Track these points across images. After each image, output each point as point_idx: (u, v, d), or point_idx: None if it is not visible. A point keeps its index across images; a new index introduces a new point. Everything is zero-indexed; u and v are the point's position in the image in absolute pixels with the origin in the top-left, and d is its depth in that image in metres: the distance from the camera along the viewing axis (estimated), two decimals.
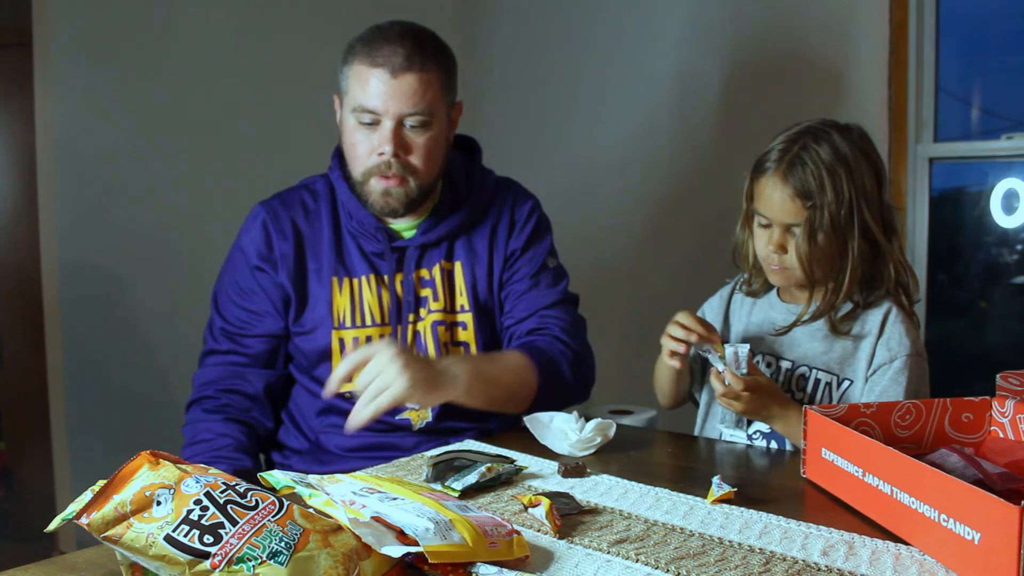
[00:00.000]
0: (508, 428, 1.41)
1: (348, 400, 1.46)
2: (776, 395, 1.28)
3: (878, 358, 1.30)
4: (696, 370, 1.50)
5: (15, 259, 2.47)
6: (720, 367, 1.27)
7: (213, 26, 2.59)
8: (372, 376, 1.21)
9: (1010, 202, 2.44)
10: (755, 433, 1.37)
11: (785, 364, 1.37)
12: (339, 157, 1.51)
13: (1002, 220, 2.46)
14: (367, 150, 1.40)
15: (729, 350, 1.27)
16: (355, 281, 1.46)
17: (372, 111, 1.37)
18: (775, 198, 1.31)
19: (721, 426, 1.42)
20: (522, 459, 1.17)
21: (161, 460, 0.72)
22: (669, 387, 1.48)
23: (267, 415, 1.49)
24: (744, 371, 1.26)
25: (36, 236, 2.35)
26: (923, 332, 2.44)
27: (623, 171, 2.87)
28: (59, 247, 2.36)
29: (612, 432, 1.25)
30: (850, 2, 2.43)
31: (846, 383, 1.32)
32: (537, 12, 3.07)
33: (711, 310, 1.53)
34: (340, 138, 1.47)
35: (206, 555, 0.66)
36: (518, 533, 0.84)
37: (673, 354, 1.33)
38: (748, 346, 1.27)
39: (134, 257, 2.44)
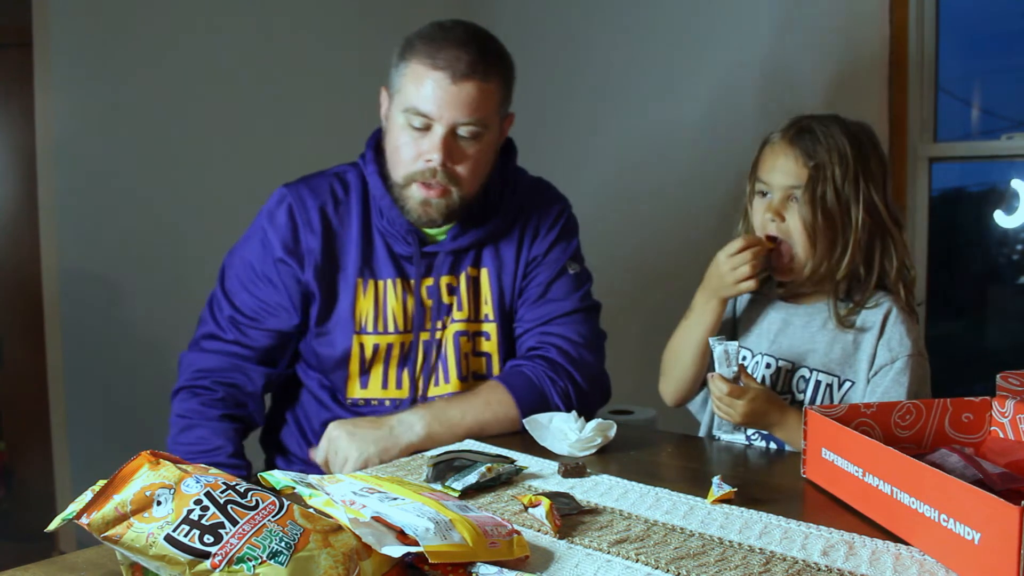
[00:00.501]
0: None
1: (361, 408, 1.44)
2: (773, 402, 1.27)
3: (880, 359, 1.29)
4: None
5: (15, 259, 2.47)
6: (722, 370, 1.26)
7: (214, 26, 2.59)
8: (332, 456, 1.30)
9: (1010, 202, 2.44)
10: (754, 434, 1.37)
11: (784, 365, 1.36)
12: (375, 150, 1.44)
13: (1002, 220, 2.46)
14: (413, 154, 1.34)
15: (718, 348, 1.26)
16: (380, 284, 1.41)
17: (425, 115, 1.31)
18: (779, 162, 1.32)
19: (719, 432, 1.42)
20: (522, 459, 1.17)
21: (161, 460, 0.72)
22: (694, 361, 1.40)
23: (261, 413, 1.46)
24: (734, 369, 1.25)
25: (36, 236, 2.35)
26: (923, 332, 2.45)
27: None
28: (59, 247, 2.35)
29: (612, 433, 1.25)
30: (850, 2, 2.43)
31: (847, 384, 1.31)
32: None
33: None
34: (384, 133, 1.41)
35: (206, 555, 0.66)
36: (518, 533, 0.84)
37: (748, 277, 1.32)
38: (736, 343, 1.26)
39: (134, 257, 2.44)
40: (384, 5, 3.03)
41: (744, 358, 1.40)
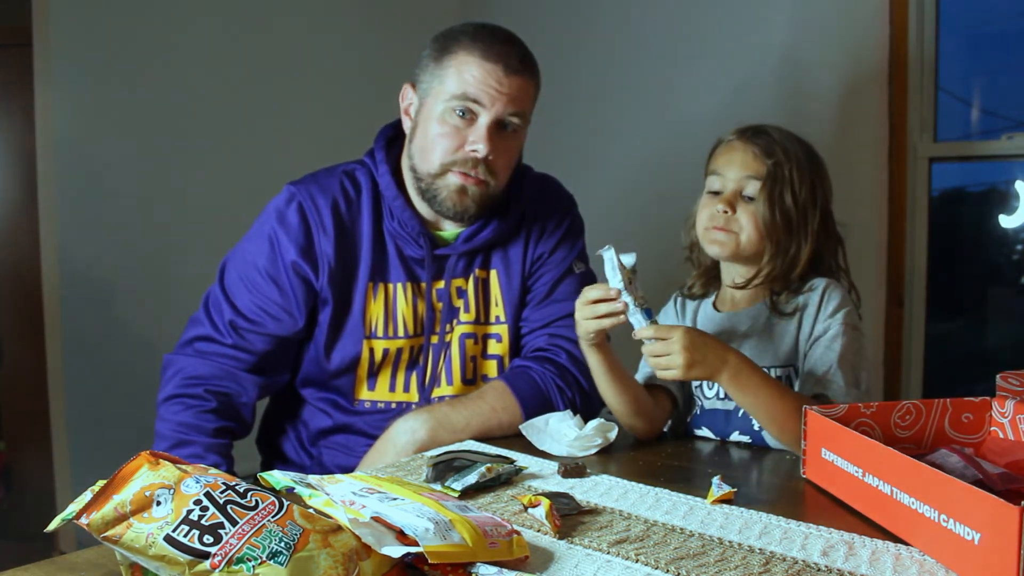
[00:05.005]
0: None
1: (368, 408, 1.43)
2: (708, 337, 1.19)
3: (816, 331, 1.31)
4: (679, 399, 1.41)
5: (15, 259, 2.47)
6: (636, 324, 1.17)
7: (214, 26, 2.59)
8: None
9: (1010, 202, 2.44)
10: (739, 441, 1.36)
11: None
12: (385, 150, 1.42)
13: (1002, 220, 2.46)
14: (455, 143, 1.33)
15: (607, 255, 1.15)
16: (390, 287, 1.39)
17: (477, 102, 1.31)
18: (736, 156, 1.33)
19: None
20: (522, 459, 1.17)
21: (161, 460, 0.72)
22: (618, 399, 1.29)
23: (252, 420, 1.42)
24: (617, 280, 1.16)
25: (36, 236, 2.35)
26: (923, 332, 2.46)
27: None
28: (59, 247, 2.36)
29: (613, 435, 1.25)
30: (850, 2, 2.43)
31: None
32: None
33: (666, 321, 1.47)
34: (413, 128, 1.38)
35: (206, 555, 0.66)
36: (518, 533, 0.84)
37: (592, 331, 1.20)
38: (632, 256, 1.17)
39: (134, 257, 2.44)
40: (384, 5, 3.03)
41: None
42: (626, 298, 1.16)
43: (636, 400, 1.31)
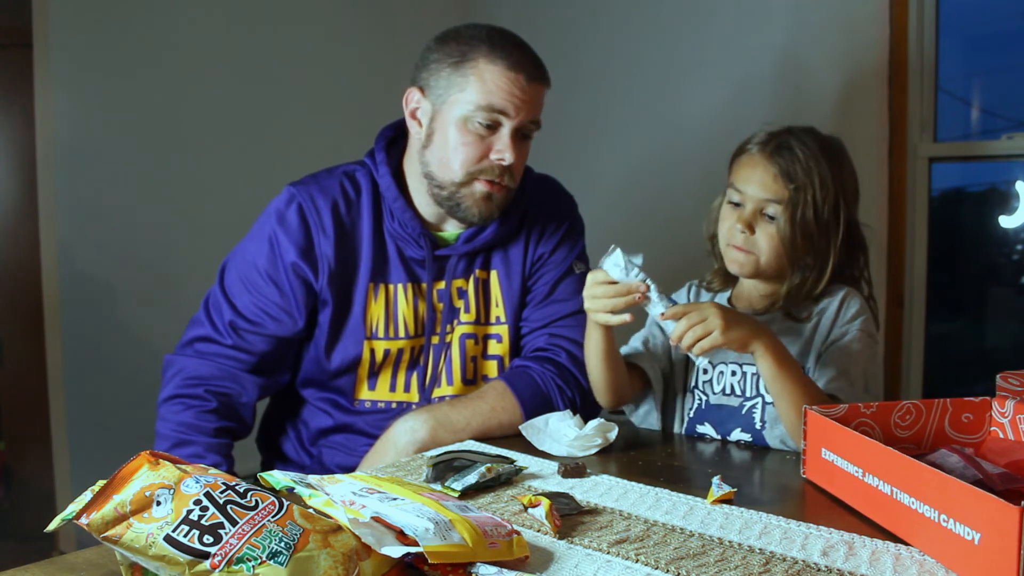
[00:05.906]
0: None
1: (368, 408, 1.44)
2: (731, 309, 1.21)
3: (834, 334, 1.31)
4: (655, 378, 1.42)
5: (15, 259, 2.46)
6: (658, 310, 1.19)
7: (214, 26, 2.59)
8: None
9: (1010, 202, 2.44)
10: (739, 441, 1.36)
11: (751, 370, 1.35)
12: (385, 151, 1.42)
13: (1002, 220, 2.46)
14: (479, 152, 1.33)
15: (610, 260, 1.18)
16: (391, 288, 1.40)
17: (502, 112, 1.32)
18: (756, 174, 1.31)
19: (701, 374, 1.36)
20: (522, 459, 1.17)
21: (161, 460, 0.72)
22: (599, 370, 1.32)
23: (252, 421, 1.43)
24: (635, 273, 1.18)
25: (36, 236, 2.35)
26: (923, 332, 2.46)
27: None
28: (59, 247, 2.35)
29: (613, 435, 1.25)
30: (850, 3, 2.43)
31: (809, 372, 1.33)
32: None
33: None
34: (428, 136, 1.37)
35: (206, 555, 0.66)
36: (518, 533, 0.84)
37: (602, 311, 1.22)
38: (617, 247, 1.18)
39: (134, 257, 2.44)
40: (384, 5, 3.03)
41: (707, 371, 1.39)
42: (652, 289, 1.19)
43: (617, 379, 1.35)
